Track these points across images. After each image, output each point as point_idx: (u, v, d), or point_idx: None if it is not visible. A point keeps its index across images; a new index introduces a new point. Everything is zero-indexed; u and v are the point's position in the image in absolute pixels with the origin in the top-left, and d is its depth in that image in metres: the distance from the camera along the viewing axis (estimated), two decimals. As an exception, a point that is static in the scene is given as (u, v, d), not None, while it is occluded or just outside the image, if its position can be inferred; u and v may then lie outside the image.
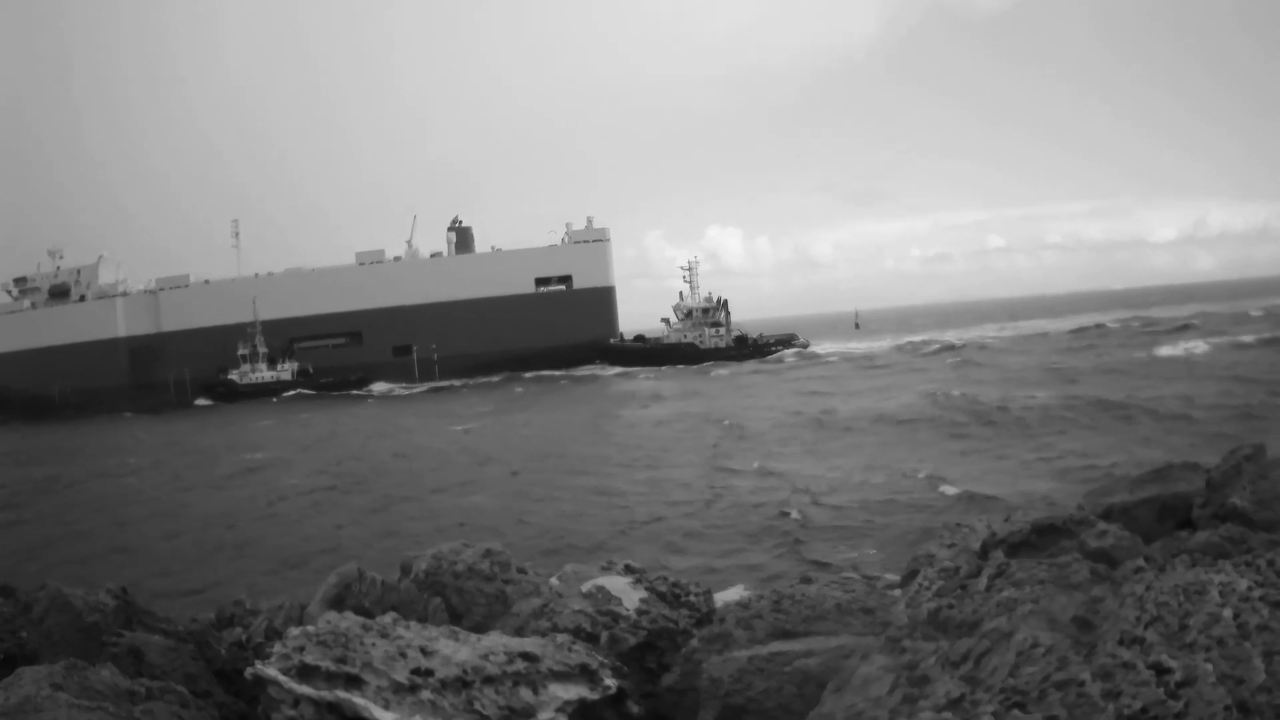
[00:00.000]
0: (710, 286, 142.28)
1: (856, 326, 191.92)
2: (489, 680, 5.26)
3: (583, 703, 5.42)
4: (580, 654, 5.68)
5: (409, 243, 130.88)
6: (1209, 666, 3.29)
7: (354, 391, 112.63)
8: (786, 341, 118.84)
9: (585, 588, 6.89)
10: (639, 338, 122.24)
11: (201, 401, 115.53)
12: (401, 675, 5.11)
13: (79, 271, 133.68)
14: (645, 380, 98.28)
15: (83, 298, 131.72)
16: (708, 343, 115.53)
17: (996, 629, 3.64)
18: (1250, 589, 3.67)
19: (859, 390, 68.43)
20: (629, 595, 6.77)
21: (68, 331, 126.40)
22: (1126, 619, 3.65)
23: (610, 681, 5.57)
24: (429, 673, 5.18)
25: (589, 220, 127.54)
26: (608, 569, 7.19)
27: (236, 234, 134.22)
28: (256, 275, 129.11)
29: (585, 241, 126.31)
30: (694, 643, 5.96)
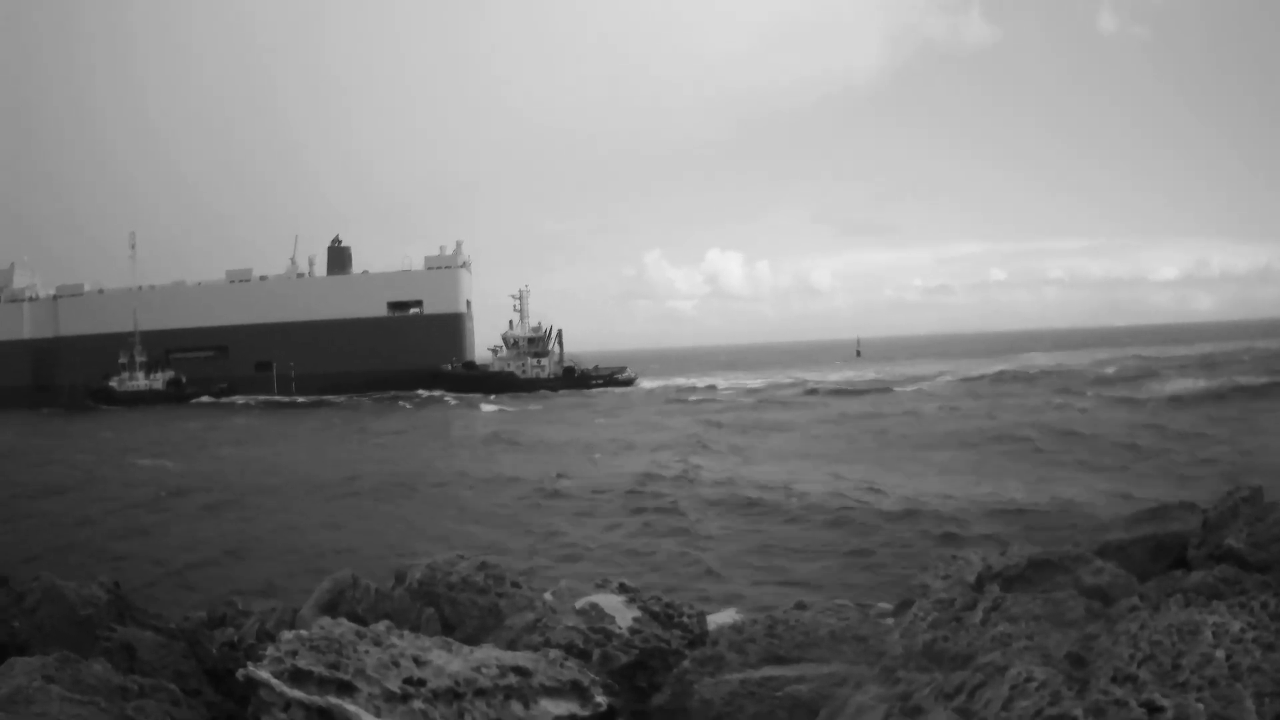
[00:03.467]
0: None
1: (858, 354, 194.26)
2: (480, 693, 5.27)
3: (573, 719, 5.43)
4: (572, 670, 5.68)
5: (292, 260, 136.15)
6: (1200, 706, 3.31)
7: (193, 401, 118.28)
8: (610, 375, 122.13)
9: (579, 604, 6.90)
10: (469, 365, 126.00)
11: (90, 404, 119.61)
12: (394, 684, 5.11)
13: None
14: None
15: None
16: (529, 372, 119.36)
17: (991, 663, 3.65)
18: (1243, 630, 3.68)
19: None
20: (622, 613, 6.77)
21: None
22: (1120, 656, 3.66)
23: (601, 699, 5.58)
24: (421, 682, 5.18)
25: (458, 244, 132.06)
26: (602, 586, 7.20)
27: (133, 245, 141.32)
28: (140, 288, 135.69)
29: (438, 268, 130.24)
30: (686, 664, 5.96)
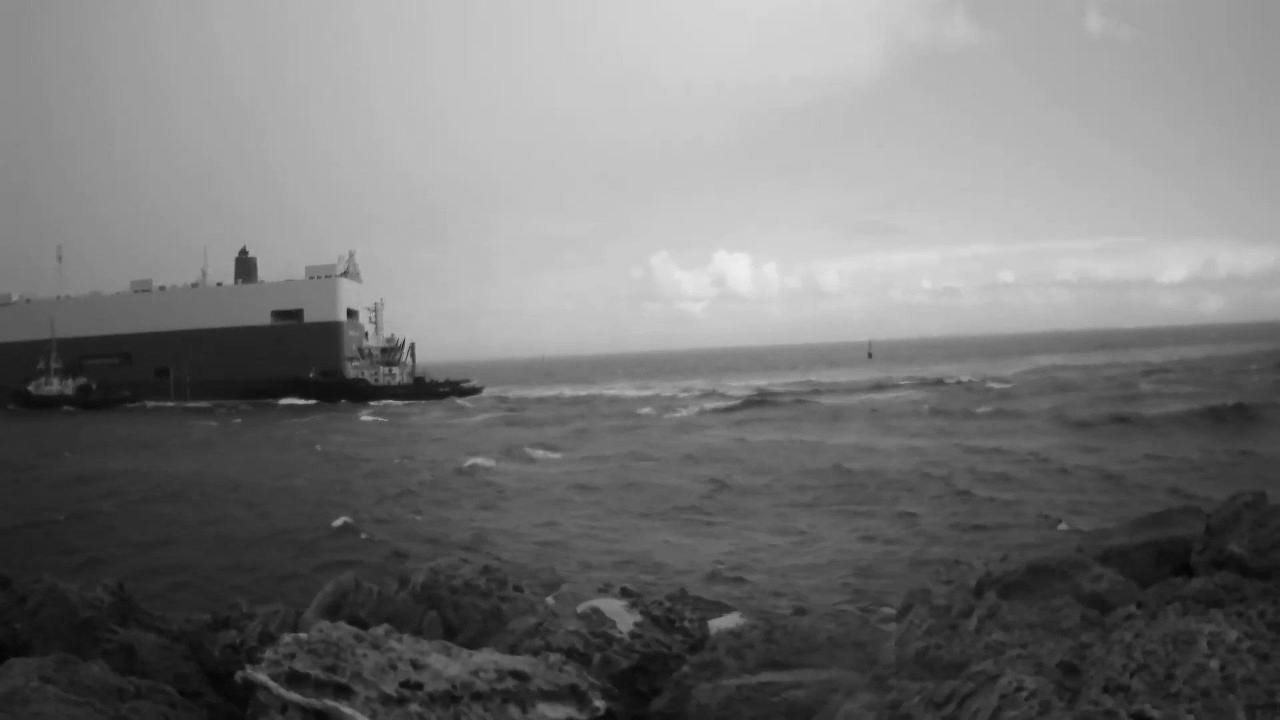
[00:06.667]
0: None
1: (869, 356, 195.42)
2: (477, 696, 5.28)
3: (571, 722, 5.43)
4: (571, 674, 5.68)
5: (203, 271, 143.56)
6: (1191, 718, 3.29)
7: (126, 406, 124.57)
8: (456, 384, 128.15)
9: (581, 608, 6.91)
10: (327, 373, 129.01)
11: (12, 407, 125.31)
12: (390, 687, 5.14)
13: None
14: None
15: None
16: (380, 380, 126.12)
17: (982, 671, 3.64)
18: (1239, 640, 3.66)
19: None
20: (624, 618, 6.79)
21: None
22: (1113, 666, 3.65)
23: (599, 703, 5.58)
24: (418, 686, 5.22)
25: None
26: (604, 591, 7.22)
27: (59, 257, 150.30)
28: (59, 298, 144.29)
29: (317, 277, 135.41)
30: (685, 668, 5.97)
